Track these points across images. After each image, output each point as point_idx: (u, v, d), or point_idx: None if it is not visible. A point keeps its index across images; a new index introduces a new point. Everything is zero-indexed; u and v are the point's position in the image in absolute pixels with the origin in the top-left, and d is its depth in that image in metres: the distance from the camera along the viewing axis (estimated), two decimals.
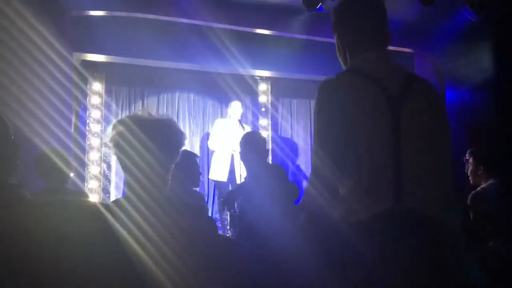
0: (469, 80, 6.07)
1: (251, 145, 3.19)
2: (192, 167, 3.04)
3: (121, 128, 1.49)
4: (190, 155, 3.11)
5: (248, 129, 6.11)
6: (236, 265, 1.58)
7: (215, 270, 1.43)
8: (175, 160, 1.56)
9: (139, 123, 1.49)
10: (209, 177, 6.09)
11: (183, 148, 1.59)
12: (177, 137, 1.56)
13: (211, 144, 6.07)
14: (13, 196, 1.38)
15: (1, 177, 1.51)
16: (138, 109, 6.61)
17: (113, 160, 6.36)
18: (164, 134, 1.52)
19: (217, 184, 5.93)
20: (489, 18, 4.81)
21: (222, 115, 6.88)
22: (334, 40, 1.81)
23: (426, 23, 5.75)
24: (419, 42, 6.17)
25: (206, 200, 5.96)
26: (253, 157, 3.13)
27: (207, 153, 6.56)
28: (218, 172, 5.80)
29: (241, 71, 6.20)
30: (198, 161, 3.10)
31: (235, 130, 6.03)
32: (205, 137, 6.95)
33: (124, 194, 1.53)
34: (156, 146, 1.48)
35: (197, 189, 3.69)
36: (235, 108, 6.12)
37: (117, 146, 1.50)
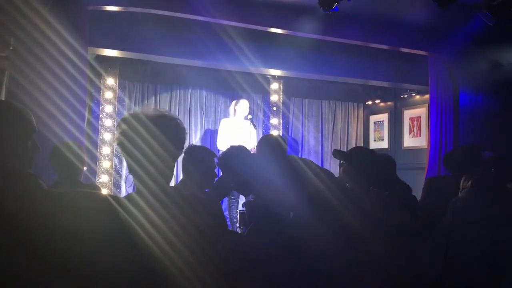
0: (482, 83, 6.02)
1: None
2: (208, 166, 2.79)
3: (124, 126, 1.50)
4: (207, 152, 2.87)
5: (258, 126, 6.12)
6: (247, 259, 1.59)
7: (226, 264, 1.44)
8: (179, 155, 1.57)
9: (141, 119, 1.50)
10: None
11: (192, 143, 1.59)
12: (179, 132, 1.56)
13: (220, 144, 6.04)
14: (31, 185, 1.40)
15: (21, 166, 1.54)
16: (146, 105, 6.64)
17: None
18: (165, 130, 1.51)
19: None
20: (504, 22, 4.77)
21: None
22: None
23: (441, 25, 5.71)
24: (433, 45, 6.12)
25: None
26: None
27: (217, 151, 6.55)
28: None
29: (253, 69, 6.20)
30: (215, 161, 2.81)
31: (245, 128, 6.02)
32: (216, 134, 6.97)
33: (134, 189, 1.55)
34: (158, 143, 1.48)
35: None
36: (243, 106, 6.12)
37: (121, 145, 1.51)
